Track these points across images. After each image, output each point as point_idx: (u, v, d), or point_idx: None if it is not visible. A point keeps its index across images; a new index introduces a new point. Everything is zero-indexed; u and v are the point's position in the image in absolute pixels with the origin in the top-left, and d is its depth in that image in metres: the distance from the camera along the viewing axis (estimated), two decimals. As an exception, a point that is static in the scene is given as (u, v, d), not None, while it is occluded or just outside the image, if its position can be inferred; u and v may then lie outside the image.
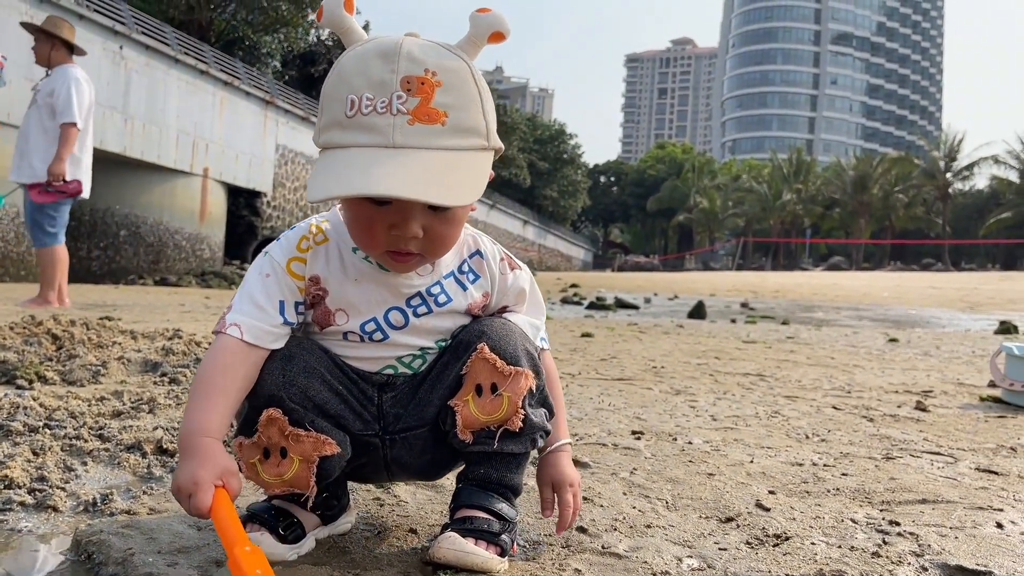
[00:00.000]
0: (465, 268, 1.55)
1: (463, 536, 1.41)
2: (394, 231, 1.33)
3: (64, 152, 6.61)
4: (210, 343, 1.47)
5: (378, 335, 1.48)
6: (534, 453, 1.60)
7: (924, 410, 3.46)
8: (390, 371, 1.50)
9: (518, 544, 1.56)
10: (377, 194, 1.23)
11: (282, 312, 1.44)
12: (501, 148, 1.38)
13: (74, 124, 6.63)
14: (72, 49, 6.91)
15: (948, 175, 79.27)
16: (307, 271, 1.47)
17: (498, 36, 1.37)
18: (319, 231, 1.49)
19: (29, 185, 6.69)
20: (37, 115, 6.67)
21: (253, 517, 1.49)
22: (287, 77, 39.38)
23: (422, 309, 1.50)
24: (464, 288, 1.54)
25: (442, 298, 1.51)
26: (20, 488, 1.78)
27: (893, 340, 8.18)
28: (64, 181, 6.62)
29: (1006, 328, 10.82)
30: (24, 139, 6.70)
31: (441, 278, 1.52)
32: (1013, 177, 74.66)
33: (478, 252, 1.57)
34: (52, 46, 6.78)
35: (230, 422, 1.40)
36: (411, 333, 1.50)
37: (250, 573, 1.12)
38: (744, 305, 17.49)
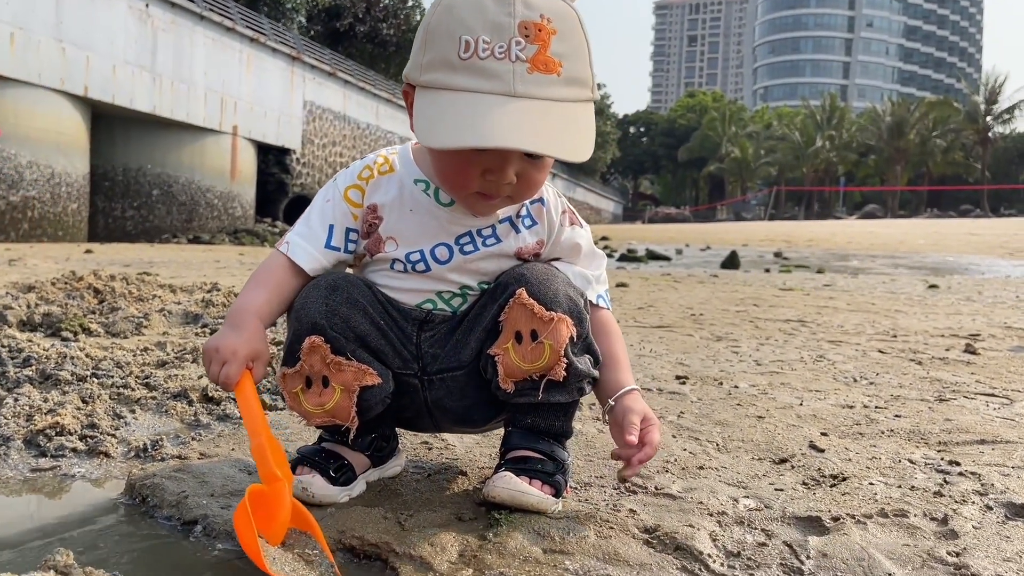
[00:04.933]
0: (523, 212, 1.50)
1: (517, 475, 1.39)
2: (489, 176, 1.32)
3: None
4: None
5: (421, 266, 1.46)
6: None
7: (974, 353, 3.38)
8: (429, 305, 1.48)
9: (571, 486, 1.54)
10: (508, 146, 1.21)
11: (329, 235, 1.47)
12: (598, 100, 1.34)
13: None
14: None
15: (988, 119, 77.13)
16: (365, 199, 1.48)
17: None
18: (386, 161, 1.51)
19: None
20: None
21: (303, 460, 1.48)
22: (312, 32, 39.09)
23: (469, 247, 1.47)
24: (517, 231, 1.50)
25: (491, 240, 1.48)
26: (72, 435, 1.79)
27: (933, 286, 8.04)
28: None
29: (1050, 273, 10.57)
30: None
31: (496, 221, 1.48)
32: (1056, 119, 72.46)
33: (540, 199, 1.52)
34: None
35: (275, 318, 1.47)
36: (454, 270, 1.47)
37: (274, 460, 1.25)
38: (778, 255, 17.28)
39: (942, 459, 1.80)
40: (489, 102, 1.21)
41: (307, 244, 1.46)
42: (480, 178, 1.32)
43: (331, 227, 1.47)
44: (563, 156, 1.24)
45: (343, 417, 1.42)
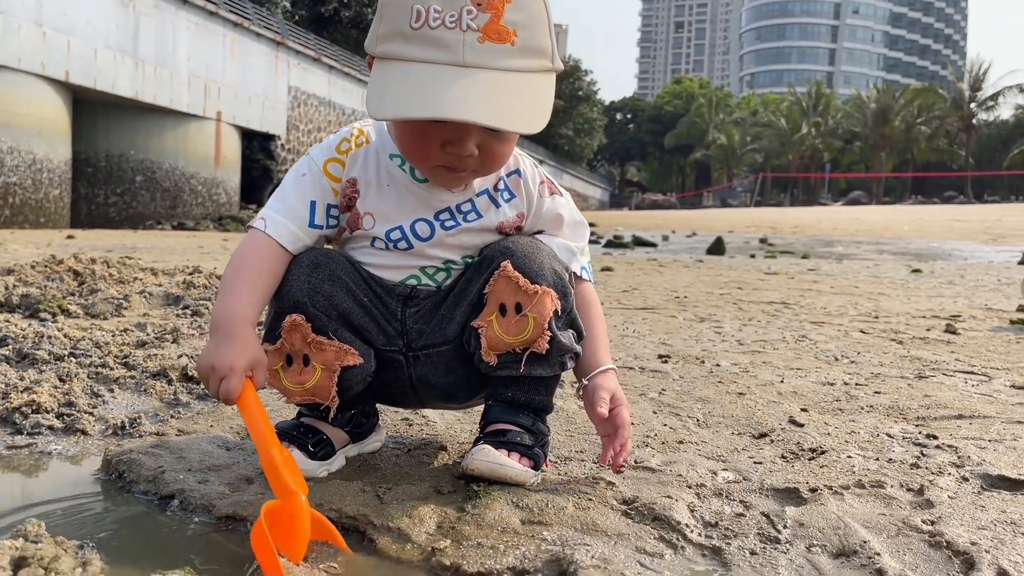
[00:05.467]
0: (501, 186, 1.49)
1: (496, 448, 1.39)
2: (449, 148, 1.29)
3: None
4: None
5: (403, 244, 1.44)
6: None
7: (954, 333, 3.40)
8: (413, 281, 1.47)
9: (550, 460, 1.54)
10: (450, 117, 1.17)
11: (312, 213, 1.42)
12: (561, 69, 1.31)
13: None
14: None
15: (972, 105, 77.43)
16: (345, 173, 1.44)
17: None
18: (361, 133, 1.46)
19: None
20: None
21: (282, 435, 1.46)
22: (297, 17, 38.74)
23: (450, 223, 1.45)
24: (497, 205, 1.48)
25: (472, 215, 1.46)
26: (48, 413, 1.78)
27: (916, 271, 8.09)
28: None
29: (1031, 258, 10.68)
30: None
31: (474, 195, 1.46)
32: (1039, 106, 72.73)
33: (517, 171, 1.50)
34: None
35: (261, 311, 1.38)
36: (437, 246, 1.46)
37: (287, 473, 1.12)
38: (763, 241, 17.35)
39: (920, 433, 1.81)
40: (438, 72, 1.18)
41: (288, 222, 1.41)
42: (441, 151, 1.29)
43: (312, 204, 1.42)
44: (509, 127, 1.22)
45: (323, 396, 1.42)
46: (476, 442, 1.45)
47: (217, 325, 1.31)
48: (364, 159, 1.45)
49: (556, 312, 1.41)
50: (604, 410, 1.42)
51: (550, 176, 1.57)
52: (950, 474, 1.53)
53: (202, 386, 2.08)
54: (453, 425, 1.82)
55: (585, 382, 1.48)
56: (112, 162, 21.19)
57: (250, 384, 1.26)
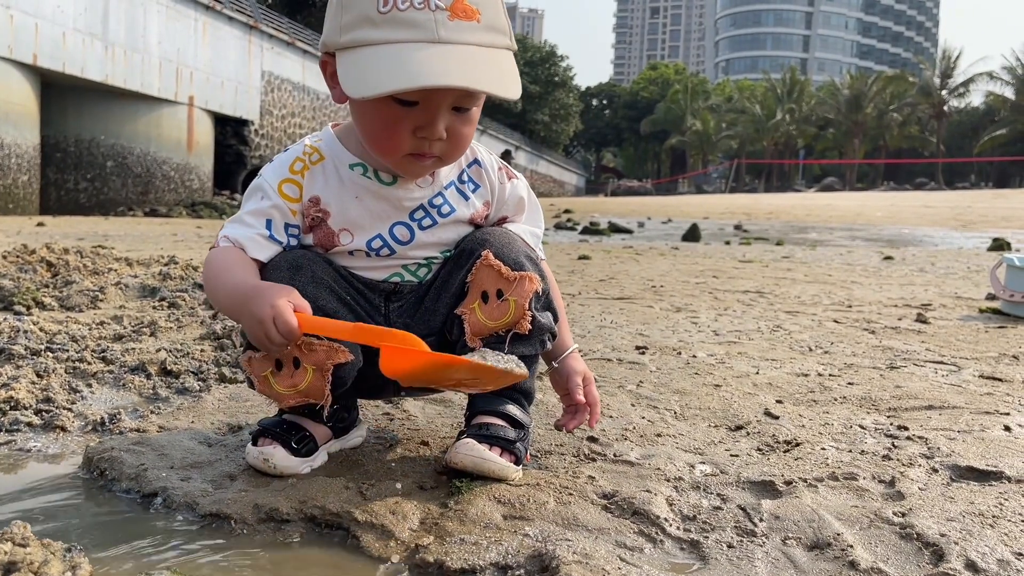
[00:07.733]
0: (465, 178, 1.52)
1: (479, 442, 1.41)
2: (420, 133, 1.32)
3: None
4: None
5: (385, 251, 1.46)
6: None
7: (925, 322, 3.47)
8: (396, 279, 1.49)
9: (531, 454, 1.56)
10: (439, 84, 1.21)
11: (268, 228, 1.43)
12: (516, 50, 1.36)
13: None
14: None
15: (943, 92, 78.25)
16: (304, 193, 1.44)
17: None
18: (314, 150, 1.47)
19: None
20: None
21: (264, 432, 1.48)
22: (270, 1, 38.28)
23: (427, 222, 1.48)
24: (466, 198, 1.52)
25: (445, 208, 1.49)
26: (27, 409, 1.77)
27: (888, 258, 8.20)
28: None
29: (999, 245, 10.86)
30: None
31: (442, 189, 1.49)
32: (1008, 93, 73.50)
33: (476, 161, 1.54)
34: None
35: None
36: (417, 247, 1.48)
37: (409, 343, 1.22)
38: (738, 227, 17.46)
39: (891, 424, 1.85)
40: (416, 49, 1.23)
41: (248, 232, 1.42)
42: (411, 137, 1.33)
43: (268, 221, 1.43)
44: (495, 92, 1.26)
45: (317, 396, 1.42)
46: (459, 436, 1.47)
47: (234, 303, 1.32)
48: (323, 176, 1.45)
49: (536, 293, 1.46)
50: (581, 397, 1.55)
51: (519, 158, 1.61)
52: (920, 466, 1.57)
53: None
54: (434, 420, 1.84)
55: (555, 364, 1.59)
56: (82, 147, 20.88)
57: (302, 315, 1.27)
